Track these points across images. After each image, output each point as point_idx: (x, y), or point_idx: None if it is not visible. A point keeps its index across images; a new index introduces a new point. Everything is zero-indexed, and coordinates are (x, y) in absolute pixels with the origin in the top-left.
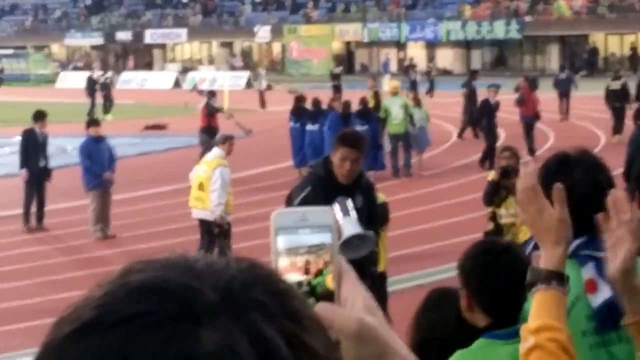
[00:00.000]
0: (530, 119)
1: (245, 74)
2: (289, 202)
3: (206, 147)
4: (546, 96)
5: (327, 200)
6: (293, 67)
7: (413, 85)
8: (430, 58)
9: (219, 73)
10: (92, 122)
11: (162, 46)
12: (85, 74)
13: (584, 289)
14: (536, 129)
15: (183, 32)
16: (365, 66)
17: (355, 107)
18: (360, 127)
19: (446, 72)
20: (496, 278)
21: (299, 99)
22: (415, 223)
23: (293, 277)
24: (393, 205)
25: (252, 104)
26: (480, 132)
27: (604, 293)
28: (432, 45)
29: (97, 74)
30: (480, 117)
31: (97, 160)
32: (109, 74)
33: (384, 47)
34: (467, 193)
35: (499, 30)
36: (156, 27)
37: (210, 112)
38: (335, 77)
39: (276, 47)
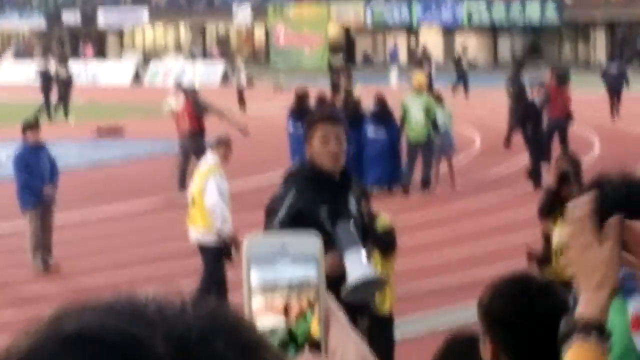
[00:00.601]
0: (560, 122)
1: (221, 66)
2: (270, 216)
3: (199, 154)
4: (590, 94)
5: (319, 202)
6: (279, 57)
7: (428, 80)
8: (461, 46)
9: (189, 64)
10: (30, 125)
11: (119, 30)
12: (27, 65)
13: (629, 327)
14: (573, 134)
15: (144, 12)
16: (369, 56)
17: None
18: (374, 133)
19: (467, 65)
20: (530, 325)
21: (302, 96)
22: (429, 251)
23: (269, 320)
24: (403, 229)
25: (230, 102)
26: (525, 141)
27: None
28: (450, 31)
29: (52, 65)
30: (523, 122)
31: (35, 173)
32: (70, 65)
33: (392, 32)
34: (496, 213)
35: (533, 12)
36: (111, 6)
37: (200, 111)
38: (334, 70)
39: (259, 32)
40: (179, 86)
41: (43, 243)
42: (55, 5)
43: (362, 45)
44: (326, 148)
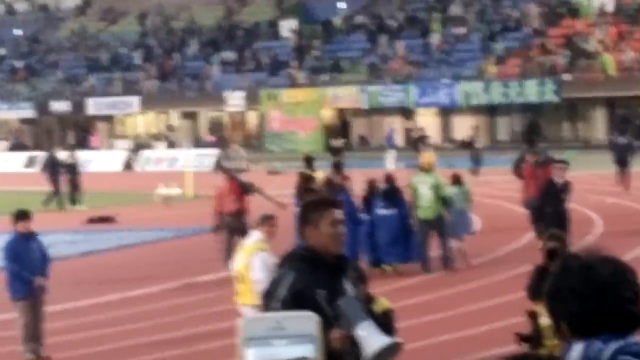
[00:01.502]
0: (533, 202)
1: (213, 152)
2: (269, 300)
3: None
4: (590, 172)
5: (317, 285)
6: (274, 141)
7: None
8: (476, 125)
9: (182, 152)
10: (21, 215)
11: (109, 118)
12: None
13: None
14: (581, 214)
15: (134, 100)
16: (365, 139)
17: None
18: (385, 212)
19: (465, 145)
20: None
21: (307, 179)
22: (436, 332)
23: None
24: (412, 309)
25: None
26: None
27: None
28: (447, 112)
29: (60, 153)
30: (543, 203)
31: (26, 263)
32: (75, 152)
33: (388, 115)
34: (510, 292)
35: (531, 92)
36: (101, 95)
37: (245, 191)
38: (335, 151)
39: (252, 117)
40: (220, 167)
41: (34, 333)
42: (44, 93)
43: (358, 127)
44: (336, 233)
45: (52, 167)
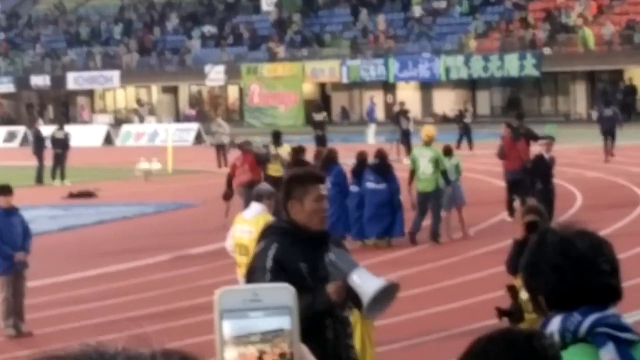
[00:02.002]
0: (515, 173)
1: (194, 127)
2: (252, 274)
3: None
4: (570, 146)
5: (300, 259)
6: (254, 116)
7: (405, 136)
8: (466, 99)
9: (162, 126)
10: (2, 190)
11: (89, 92)
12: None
13: None
14: (562, 188)
15: (115, 74)
16: (346, 112)
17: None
18: (374, 185)
19: (446, 119)
20: None
21: (298, 151)
22: (416, 307)
23: None
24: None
25: (205, 163)
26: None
27: None
28: (427, 86)
29: (49, 127)
30: (533, 178)
31: (7, 238)
32: (64, 127)
33: (368, 89)
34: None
35: (512, 66)
36: (81, 70)
37: (261, 161)
38: (317, 125)
39: (232, 92)
40: (233, 144)
41: (15, 309)
42: (24, 68)
43: (338, 101)
44: (320, 208)
45: (38, 142)
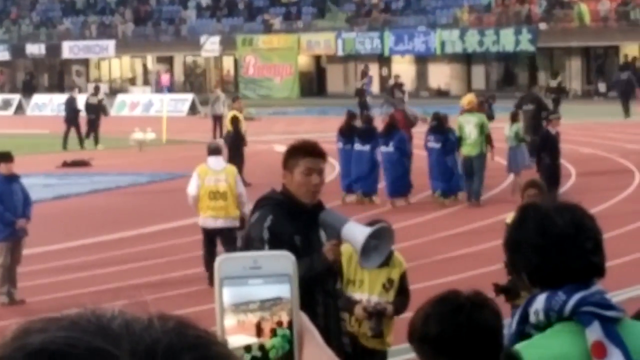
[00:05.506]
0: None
1: (188, 97)
2: (248, 243)
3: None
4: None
5: (295, 229)
6: (249, 87)
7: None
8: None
9: (157, 96)
10: (3, 157)
11: (84, 62)
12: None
13: (590, 354)
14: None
15: (110, 44)
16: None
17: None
18: (361, 147)
19: (440, 93)
20: (470, 338)
21: (351, 117)
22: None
23: (241, 339)
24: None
25: (198, 134)
26: (539, 173)
27: (616, 359)
28: (422, 60)
29: (85, 93)
30: (540, 153)
31: (9, 205)
32: (101, 94)
33: (363, 62)
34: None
35: (507, 40)
36: (76, 39)
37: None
38: (360, 93)
39: (227, 63)
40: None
41: (10, 276)
42: (19, 36)
43: (333, 75)
44: (309, 182)
45: (72, 109)
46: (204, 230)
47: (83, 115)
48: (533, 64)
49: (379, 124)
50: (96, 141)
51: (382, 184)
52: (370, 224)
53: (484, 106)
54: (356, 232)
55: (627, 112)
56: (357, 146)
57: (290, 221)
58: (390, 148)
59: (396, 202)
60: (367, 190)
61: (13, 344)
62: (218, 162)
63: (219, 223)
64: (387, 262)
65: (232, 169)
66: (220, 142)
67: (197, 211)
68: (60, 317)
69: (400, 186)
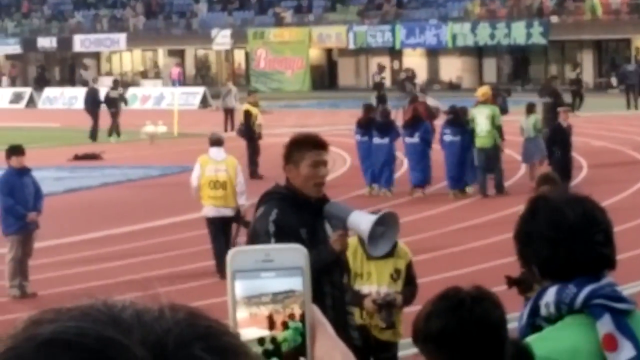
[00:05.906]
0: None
1: (199, 90)
2: (254, 237)
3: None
4: (577, 115)
5: (301, 222)
6: (260, 80)
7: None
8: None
9: (168, 89)
10: (14, 150)
11: (96, 55)
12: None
13: (602, 347)
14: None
15: (121, 37)
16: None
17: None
18: (379, 141)
19: (452, 86)
20: (473, 334)
21: (369, 109)
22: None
23: (253, 332)
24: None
25: (210, 127)
26: (551, 166)
27: (627, 351)
28: (434, 53)
29: (104, 86)
30: (551, 146)
31: (20, 198)
32: (120, 87)
33: (375, 55)
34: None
35: (519, 33)
36: (87, 32)
37: None
38: (378, 86)
39: (239, 56)
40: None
41: (21, 269)
42: (31, 30)
43: (345, 68)
44: (317, 174)
45: (94, 101)
46: (207, 220)
47: (103, 108)
48: (545, 57)
49: (397, 117)
50: (118, 134)
51: (399, 175)
52: (374, 212)
53: (498, 99)
54: (362, 220)
55: (629, 104)
56: (376, 140)
57: (295, 214)
58: (416, 139)
59: (414, 193)
60: (384, 183)
61: (24, 334)
62: (219, 153)
63: (221, 212)
64: (392, 252)
65: (233, 160)
66: (229, 134)
67: (199, 200)
68: (71, 308)
69: (424, 177)
